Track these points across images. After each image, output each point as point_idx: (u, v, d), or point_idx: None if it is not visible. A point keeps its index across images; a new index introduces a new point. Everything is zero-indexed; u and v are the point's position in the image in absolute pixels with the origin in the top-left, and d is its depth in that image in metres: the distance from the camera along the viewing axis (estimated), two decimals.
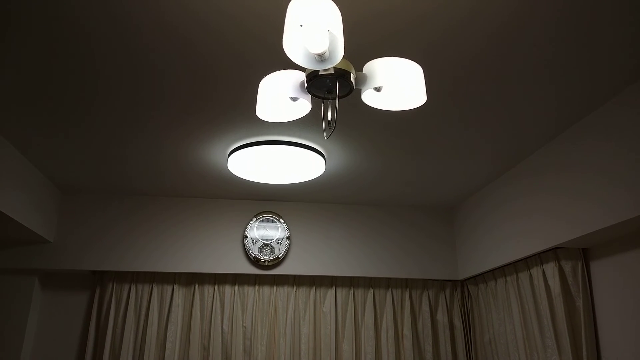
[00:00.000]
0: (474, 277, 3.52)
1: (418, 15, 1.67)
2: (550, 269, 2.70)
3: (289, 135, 2.59)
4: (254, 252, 3.46)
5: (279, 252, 3.49)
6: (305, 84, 1.43)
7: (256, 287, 3.52)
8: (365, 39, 1.79)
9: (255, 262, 3.46)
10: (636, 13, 1.67)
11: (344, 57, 1.65)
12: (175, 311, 3.40)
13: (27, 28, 1.73)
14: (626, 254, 2.38)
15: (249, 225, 3.53)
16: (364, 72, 1.45)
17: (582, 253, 2.62)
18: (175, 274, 3.48)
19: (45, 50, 1.86)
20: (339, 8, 1.63)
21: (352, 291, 3.59)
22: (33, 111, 2.32)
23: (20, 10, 1.64)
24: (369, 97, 1.50)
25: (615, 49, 1.85)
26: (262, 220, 3.56)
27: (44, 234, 3.17)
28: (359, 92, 2.08)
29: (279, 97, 1.51)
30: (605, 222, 2.23)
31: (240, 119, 2.41)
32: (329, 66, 1.32)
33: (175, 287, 3.45)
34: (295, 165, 2.82)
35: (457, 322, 3.62)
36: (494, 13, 1.66)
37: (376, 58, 1.77)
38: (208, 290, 3.49)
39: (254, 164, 2.79)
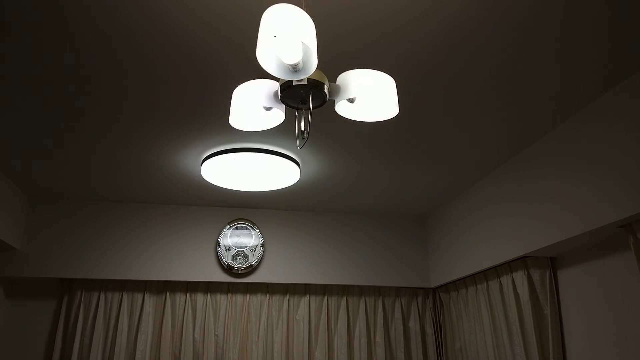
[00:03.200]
0: (446, 284, 3.56)
1: (389, 10, 1.69)
2: (520, 277, 2.75)
3: (264, 142, 2.58)
4: (227, 259, 3.43)
5: (253, 259, 3.47)
6: (279, 94, 1.43)
7: (229, 295, 3.49)
8: (341, 51, 1.80)
9: (228, 269, 3.43)
10: (577, 45, 1.73)
11: (317, 68, 1.66)
12: (146, 319, 3.33)
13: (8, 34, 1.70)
14: (591, 263, 2.45)
15: (223, 232, 3.50)
16: (337, 83, 1.45)
17: (550, 262, 2.68)
18: (146, 281, 3.42)
19: (11, 56, 1.82)
20: (314, 22, 1.64)
21: (325, 299, 3.59)
22: None
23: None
24: (343, 108, 1.50)
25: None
26: (236, 228, 3.54)
27: (9, 241, 3.07)
28: (333, 103, 2.09)
29: (253, 106, 1.51)
30: (566, 235, 2.31)
31: (214, 125, 2.39)
32: (303, 77, 1.32)
33: (145, 295, 3.39)
34: (269, 173, 2.81)
35: (429, 330, 3.65)
36: (452, 26, 1.70)
37: (350, 69, 1.79)
38: (179, 298, 3.44)
39: (228, 171, 2.77)
